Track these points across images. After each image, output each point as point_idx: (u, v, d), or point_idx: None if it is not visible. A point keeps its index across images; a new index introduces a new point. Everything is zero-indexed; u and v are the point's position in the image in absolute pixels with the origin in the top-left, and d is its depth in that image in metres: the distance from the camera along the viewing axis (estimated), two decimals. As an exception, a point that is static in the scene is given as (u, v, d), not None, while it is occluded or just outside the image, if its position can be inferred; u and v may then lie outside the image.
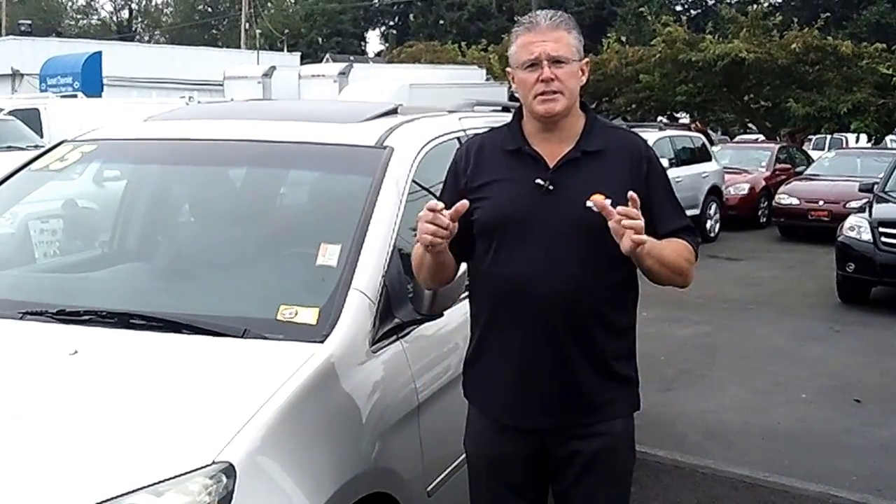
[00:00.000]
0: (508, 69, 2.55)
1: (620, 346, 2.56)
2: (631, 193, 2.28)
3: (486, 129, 2.78)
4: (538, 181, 2.45)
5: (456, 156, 2.66)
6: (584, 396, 2.50)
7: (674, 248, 2.49)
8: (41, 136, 12.17)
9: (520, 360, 2.49)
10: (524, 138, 2.52)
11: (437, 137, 3.41)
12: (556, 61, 2.42)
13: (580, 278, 2.35)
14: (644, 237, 2.27)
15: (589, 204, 2.29)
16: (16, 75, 28.82)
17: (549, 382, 2.48)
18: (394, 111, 3.55)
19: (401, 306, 2.82)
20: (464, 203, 2.32)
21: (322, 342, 2.58)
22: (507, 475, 2.60)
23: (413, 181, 3.14)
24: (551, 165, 2.47)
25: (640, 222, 2.26)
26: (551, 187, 2.44)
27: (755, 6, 24.55)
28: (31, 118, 13.04)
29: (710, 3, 46.35)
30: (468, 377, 2.66)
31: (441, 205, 2.32)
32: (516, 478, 2.60)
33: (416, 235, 2.42)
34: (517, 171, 2.49)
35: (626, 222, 2.24)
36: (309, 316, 2.67)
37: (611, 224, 2.27)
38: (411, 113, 3.60)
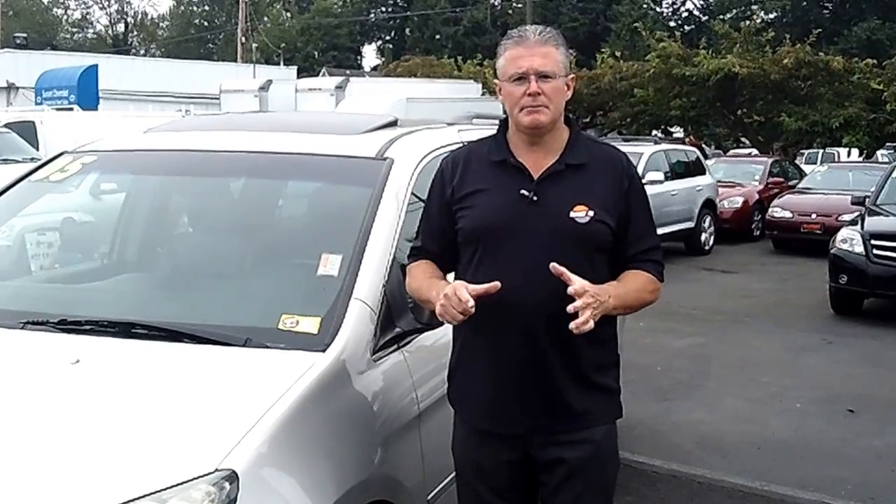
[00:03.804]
0: (496, 81, 2.60)
1: (601, 356, 2.60)
2: (576, 288, 2.33)
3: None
4: (523, 192, 2.49)
5: (442, 165, 2.70)
6: (564, 404, 2.54)
7: (636, 289, 2.57)
8: (37, 149, 12.16)
9: (501, 368, 2.53)
10: (509, 150, 2.57)
11: (436, 149, 3.43)
12: (543, 76, 2.47)
13: (562, 288, 2.38)
14: (604, 306, 2.38)
15: (552, 265, 2.36)
16: (11, 88, 28.83)
17: (529, 390, 2.52)
18: (393, 123, 3.59)
19: (402, 315, 2.85)
20: (495, 284, 2.37)
21: (323, 351, 2.60)
22: (493, 480, 2.63)
23: (413, 193, 3.16)
24: (535, 177, 2.51)
25: (591, 311, 2.34)
26: (535, 198, 2.49)
27: (748, 22, 24.67)
28: (27, 131, 13.01)
29: (704, 18, 46.61)
30: (451, 384, 2.70)
31: (470, 300, 2.34)
32: (502, 483, 2.63)
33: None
34: (502, 181, 2.53)
35: (582, 317, 2.32)
36: (310, 325, 2.69)
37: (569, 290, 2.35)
38: (410, 125, 3.63)
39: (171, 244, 3.66)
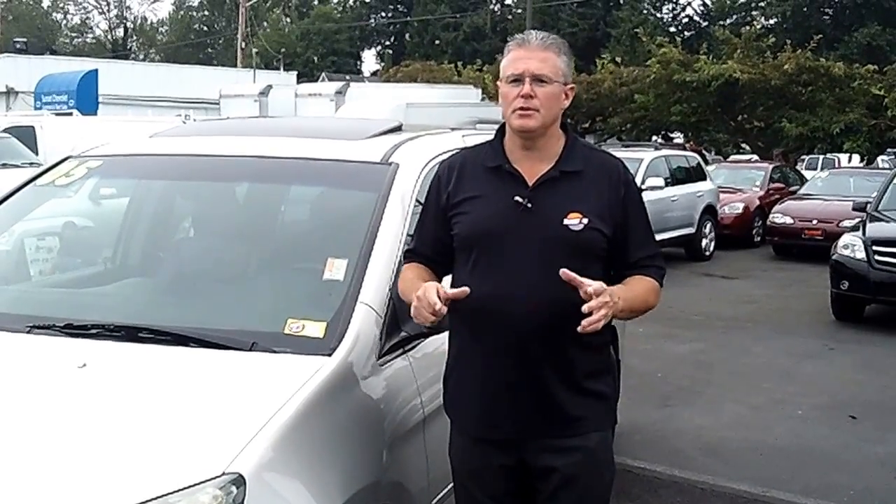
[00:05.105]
0: (499, 82, 2.61)
1: (594, 362, 2.60)
2: (595, 287, 2.33)
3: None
4: (517, 198, 2.50)
5: (438, 171, 2.72)
6: (556, 410, 2.54)
7: (642, 293, 2.57)
8: (36, 154, 12.16)
9: (493, 373, 2.54)
10: (505, 156, 2.58)
11: (440, 154, 3.43)
12: (538, 80, 2.48)
13: (555, 295, 2.40)
14: (616, 307, 2.37)
15: (563, 271, 2.36)
16: (10, 93, 28.86)
17: (521, 396, 2.52)
18: (398, 128, 3.60)
19: (407, 320, 2.82)
20: (464, 290, 2.40)
21: (329, 355, 2.61)
22: (489, 486, 2.64)
23: (416, 199, 3.16)
24: (531, 183, 2.52)
25: (606, 311, 2.33)
26: (530, 205, 2.49)
27: (748, 28, 24.71)
28: (27, 136, 13.00)
29: (704, 24, 46.70)
30: (446, 390, 2.71)
31: (438, 303, 2.37)
32: (498, 489, 2.63)
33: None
34: (497, 187, 2.54)
35: (596, 316, 2.32)
36: (316, 330, 2.70)
37: (581, 293, 2.34)
38: (415, 130, 3.64)
39: (177, 248, 3.66)
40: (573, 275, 2.35)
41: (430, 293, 2.38)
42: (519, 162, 2.55)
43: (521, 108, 2.48)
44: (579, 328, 2.33)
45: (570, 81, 2.57)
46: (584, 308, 2.33)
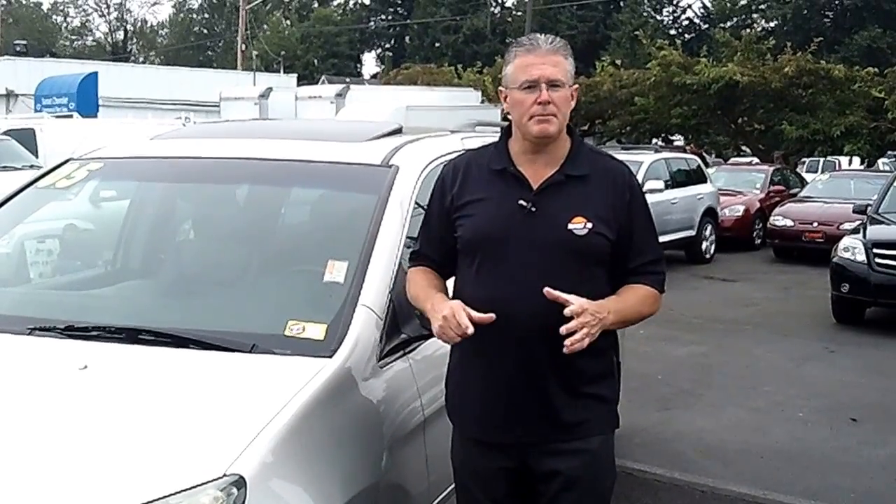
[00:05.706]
0: (501, 87, 2.60)
1: (597, 366, 2.59)
2: (573, 309, 2.35)
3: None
4: (521, 202, 2.50)
5: (443, 172, 2.71)
6: (558, 414, 2.54)
7: (635, 303, 2.57)
8: (36, 157, 12.17)
9: (494, 376, 2.54)
10: (510, 158, 2.57)
11: (440, 157, 3.43)
12: (553, 85, 2.47)
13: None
14: (602, 323, 2.40)
15: (547, 290, 2.37)
16: (10, 95, 28.86)
17: (522, 400, 2.52)
18: (398, 131, 3.60)
19: (407, 322, 2.86)
20: (490, 316, 2.39)
21: (330, 357, 2.61)
22: (490, 489, 2.64)
23: (416, 202, 3.17)
24: (535, 187, 2.51)
25: (588, 329, 2.36)
26: (534, 209, 2.49)
27: (749, 30, 24.74)
28: (27, 138, 13.02)
29: (705, 27, 46.78)
30: (447, 392, 2.71)
31: (470, 326, 2.36)
32: (499, 491, 2.63)
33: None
34: (501, 190, 2.54)
35: (578, 336, 2.34)
36: (317, 331, 2.70)
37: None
38: (414, 133, 3.64)
39: (178, 251, 3.67)
40: (556, 293, 2.37)
41: (461, 316, 2.37)
42: (524, 165, 2.55)
43: (540, 115, 2.47)
44: (564, 349, 2.34)
45: (574, 82, 2.58)
46: (562, 329, 2.34)
